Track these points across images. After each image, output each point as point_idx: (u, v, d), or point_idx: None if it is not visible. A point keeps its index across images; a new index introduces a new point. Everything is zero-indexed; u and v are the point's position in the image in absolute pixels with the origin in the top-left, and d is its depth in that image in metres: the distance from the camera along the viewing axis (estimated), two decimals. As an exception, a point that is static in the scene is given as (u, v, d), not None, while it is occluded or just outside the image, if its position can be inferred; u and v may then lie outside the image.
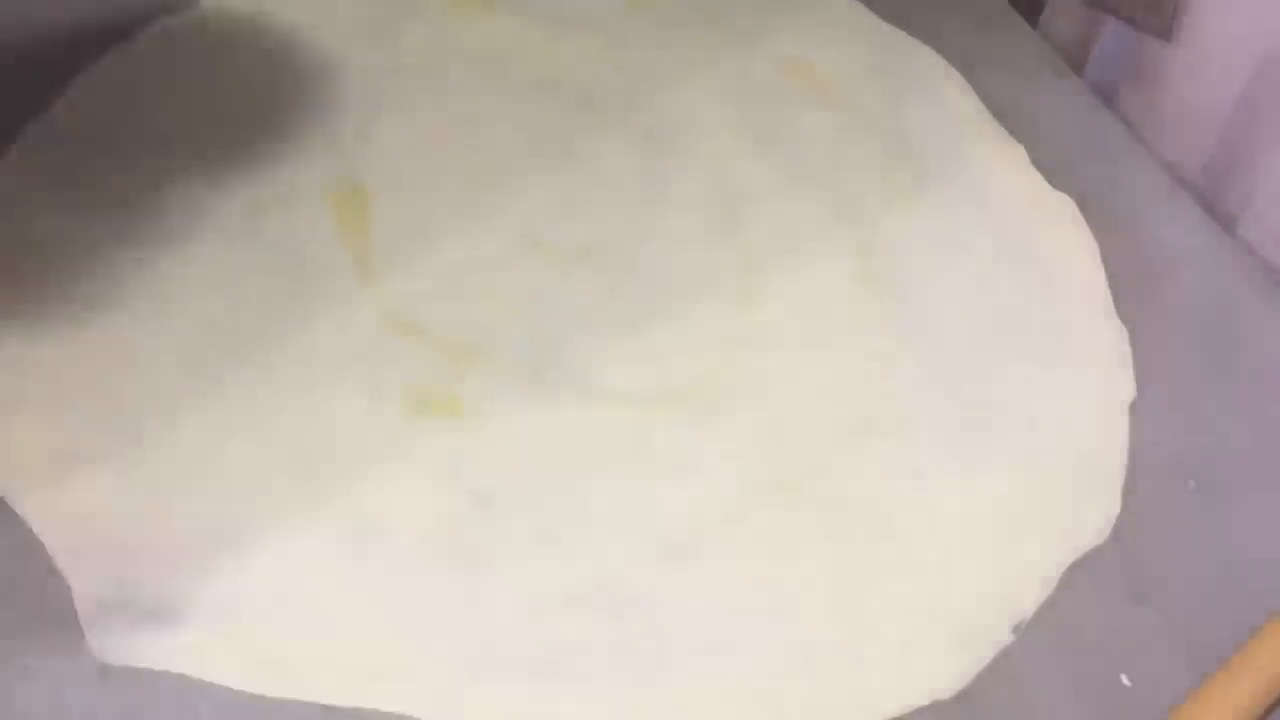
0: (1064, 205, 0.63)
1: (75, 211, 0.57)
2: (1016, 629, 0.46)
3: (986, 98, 0.69)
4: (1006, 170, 0.65)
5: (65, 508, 0.47)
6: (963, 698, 0.44)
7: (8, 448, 0.49)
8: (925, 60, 0.70)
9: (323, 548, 0.47)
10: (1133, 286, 0.59)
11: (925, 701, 0.44)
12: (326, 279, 0.56)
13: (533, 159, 0.62)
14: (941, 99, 0.69)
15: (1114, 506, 0.51)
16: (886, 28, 0.72)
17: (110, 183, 0.59)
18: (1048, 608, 0.47)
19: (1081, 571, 0.48)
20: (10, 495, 0.47)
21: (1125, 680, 0.45)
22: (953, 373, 0.55)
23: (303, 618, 0.45)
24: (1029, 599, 0.47)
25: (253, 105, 0.63)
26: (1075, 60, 0.74)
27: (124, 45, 0.65)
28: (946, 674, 0.45)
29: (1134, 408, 0.54)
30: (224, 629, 0.44)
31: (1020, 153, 0.66)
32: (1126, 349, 0.56)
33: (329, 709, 0.43)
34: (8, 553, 0.46)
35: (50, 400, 0.50)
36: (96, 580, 0.45)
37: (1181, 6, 0.65)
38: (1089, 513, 0.50)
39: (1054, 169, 0.65)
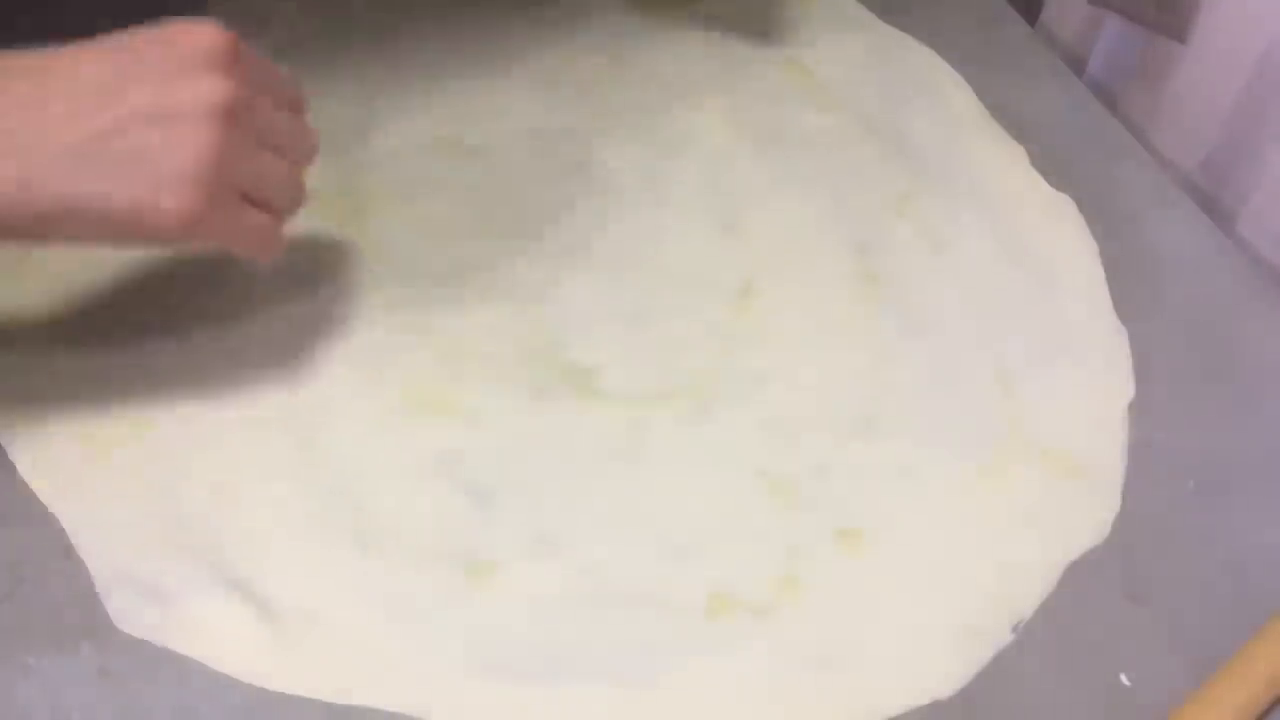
0: (1064, 205, 0.63)
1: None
2: (1016, 629, 0.46)
3: (986, 98, 0.69)
4: (1006, 170, 0.65)
5: (85, 496, 0.47)
6: (963, 698, 0.44)
7: (31, 436, 0.49)
8: (925, 60, 0.71)
9: (324, 546, 0.47)
10: (1133, 286, 0.59)
11: (925, 701, 0.44)
12: (326, 279, 0.56)
13: (532, 159, 0.62)
14: (941, 99, 0.69)
15: (1114, 507, 0.51)
16: (886, 27, 0.72)
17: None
18: (1048, 608, 0.47)
19: (1081, 571, 0.48)
20: (34, 480, 0.48)
21: (1125, 680, 0.45)
22: (952, 373, 0.55)
23: (304, 615, 0.45)
24: (1029, 599, 0.47)
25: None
26: (1075, 60, 0.74)
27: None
28: (946, 674, 0.45)
29: (1134, 408, 0.54)
30: (230, 621, 0.45)
31: (1020, 153, 0.66)
32: (1126, 349, 0.56)
33: (329, 707, 0.43)
34: (9, 553, 0.46)
35: (67, 400, 0.50)
36: (112, 564, 0.46)
37: (1194, 6, 0.65)
38: (1089, 512, 0.50)
39: (1054, 169, 0.65)
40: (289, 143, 0.48)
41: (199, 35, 0.44)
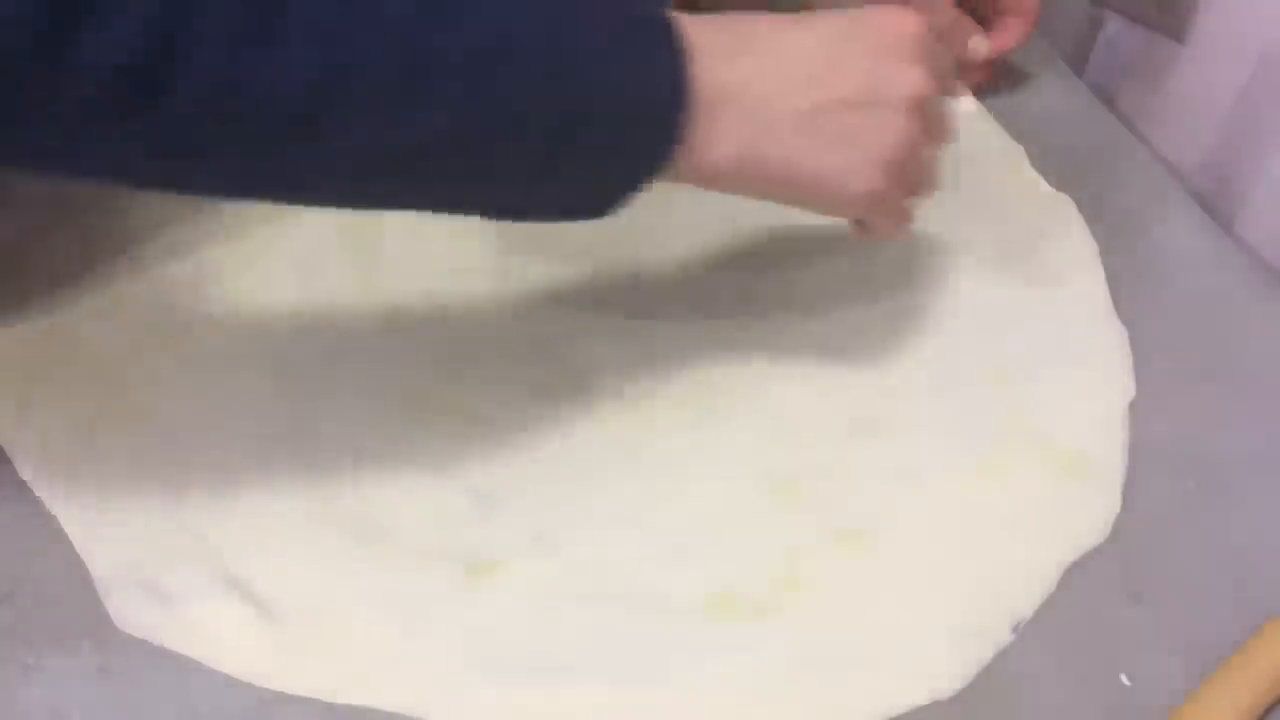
0: (1064, 205, 0.63)
1: (77, 212, 0.57)
2: (1016, 629, 0.46)
3: (986, 98, 0.69)
4: (1006, 170, 0.65)
5: (85, 497, 0.48)
6: (963, 698, 0.44)
7: (31, 438, 0.49)
8: None
9: (325, 546, 0.47)
10: (1133, 286, 0.59)
11: (925, 701, 0.44)
12: (328, 279, 0.56)
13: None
14: None
15: (1114, 506, 0.51)
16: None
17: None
18: (1048, 608, 0.47)
19: (1081, 571, 0.48)
20: (34, 481, 0.48)
21: (1125, 680, 0.45)
22: (952, 373, 0.55)
23: (304, 614, 0.45)
24: (1029, 599, 0.47)
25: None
26: (1075, 60, 0.75)
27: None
28: (946, 674, 0.45)
29: (1134, 407, 0.54)
30: (230, 621, 0.45)
31: (1020, 153, 0.66)
32: (1127, 349, 0.56)
33: (329, 707, 0.43)
34: (9, 553, 0.46)
35: (66, 401, 0.51)
36: (112, 564, 0.46)
37: (1193, 7, 0.65)
38: (1089, 512, 0.50)
39: (1054, 169, 0.65)
40: (945, 128, 0.50)
41: (902, 22, 0.47)
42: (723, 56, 0.44)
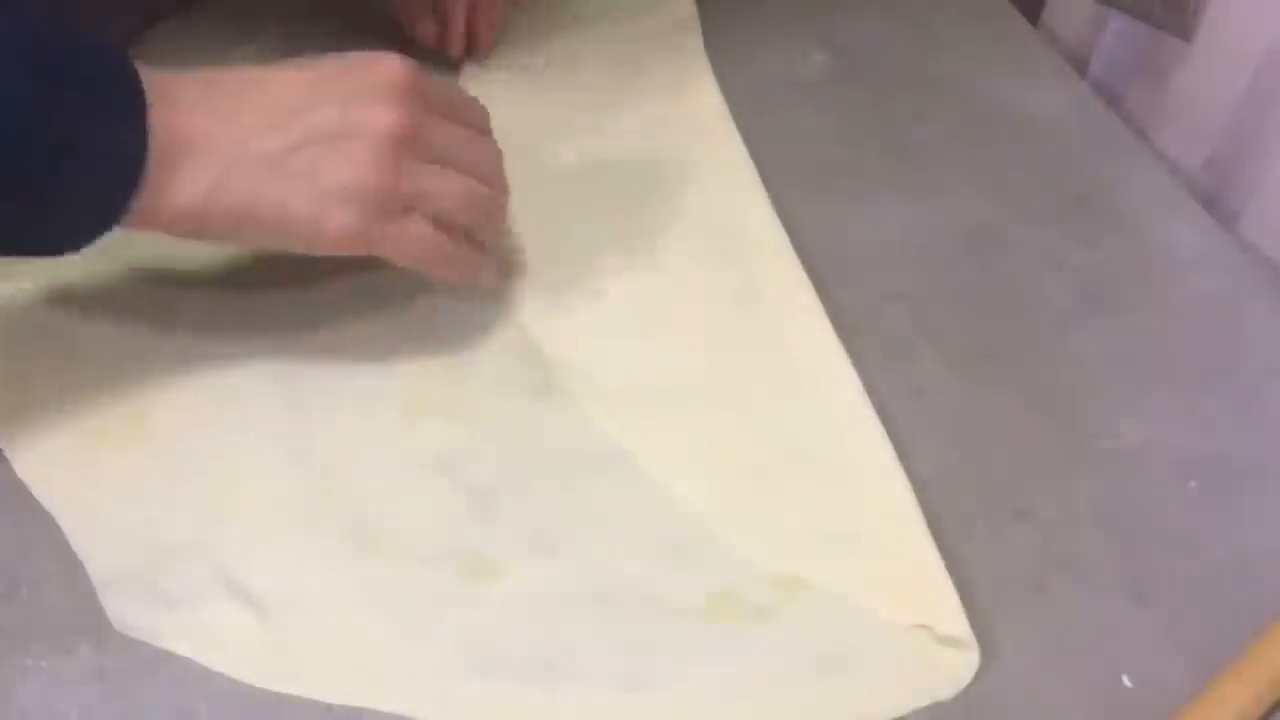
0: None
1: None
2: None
3: (988, 97, 0.69)
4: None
5: (82, 497, 0.48)
6: (963, 698, 0.44)
7: (30, 438, 0.49)
8: None
9: (324, 547, 0.47)
10: (1134, 286, 0.59)
11: (925, 702, 0.44)
12: (327, 280, 0.56)
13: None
14: None
15: None
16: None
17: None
18: (1048, 607, 0.47)
19: (1081, 571, 0.48)
20: (31, 481, 0.48)
21: (1125, 680, 0.45)
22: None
23: (303, 616, 0.45)
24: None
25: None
26: (1077, 59, 0.74)
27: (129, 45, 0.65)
28: (946, 674, 0.45)
29: (1135, 407, 0.54)
30: (228, 622, 0.45)
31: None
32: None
33: (328, 708, 0.43)
34: (9, 554, 0.46)
35: (64, 401, 0.51)
36: (110, 564, 0.46)
37: (1200, 5, 0.65)
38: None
39: (1055, 168, 0.65)
40: (471, 159, 0.51)
41: (383, 67, 0.48)
42: (187, 105, 0.45)
